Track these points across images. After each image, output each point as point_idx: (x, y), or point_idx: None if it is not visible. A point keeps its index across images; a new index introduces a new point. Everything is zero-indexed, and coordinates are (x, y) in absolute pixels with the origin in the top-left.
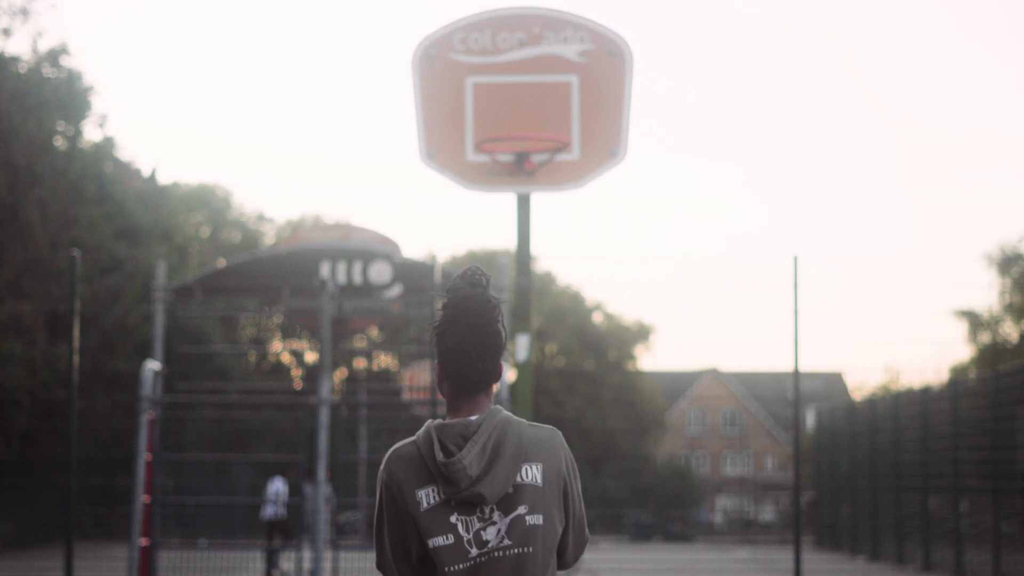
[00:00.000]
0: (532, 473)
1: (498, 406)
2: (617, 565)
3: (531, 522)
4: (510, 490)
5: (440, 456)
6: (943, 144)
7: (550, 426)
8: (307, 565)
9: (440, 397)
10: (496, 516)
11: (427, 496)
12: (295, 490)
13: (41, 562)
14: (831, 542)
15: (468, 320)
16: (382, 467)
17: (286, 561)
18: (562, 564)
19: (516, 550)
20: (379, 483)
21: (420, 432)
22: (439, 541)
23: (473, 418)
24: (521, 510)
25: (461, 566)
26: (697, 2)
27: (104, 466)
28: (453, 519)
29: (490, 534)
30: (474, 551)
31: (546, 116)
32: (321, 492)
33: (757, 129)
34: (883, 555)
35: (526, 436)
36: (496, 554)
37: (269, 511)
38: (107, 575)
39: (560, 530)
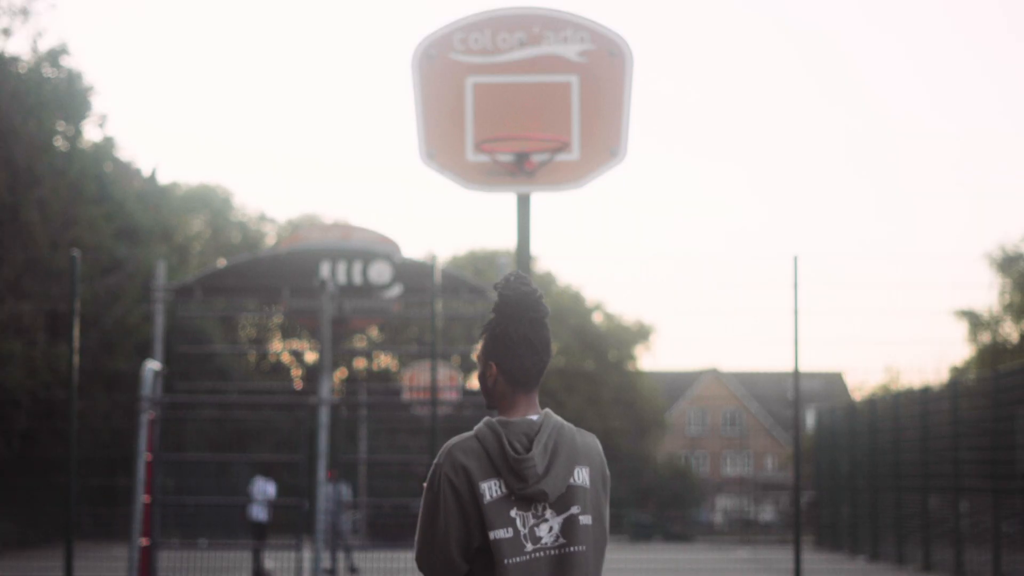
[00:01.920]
0: (583, 476)
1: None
2: (617, 565)
3: (583, 522)
4: (563, 490)
5: (513, 452)
6: (943, 144)
7: (592, 433)
8: (307, 564)
9: (445, 397)
10: (549, 514)
11: (490, 489)
12: (290, 490)
13: (41, 562)
14: (831, 542)
15: (530, 315)
16: (442, 460)
17: (273, 560)
18: None
19: (570, 548)
20: (439, 476)
21: (480, 428)
22: (500, 534)
23: (534, 418)
24: (574, 510)
25: (519, 559)
26: (697, 2)
27: (104, 466)
28: (512, 513)
29: (543, 531)
30: (529, 546)
31: (546, 116)
32: (323, 492)
33: (757, 129)
34: (883, 555)
35: (577, 440)
36: (551, 552)
37: (256, 511)
38: (107, 575)
39: (607, 531)
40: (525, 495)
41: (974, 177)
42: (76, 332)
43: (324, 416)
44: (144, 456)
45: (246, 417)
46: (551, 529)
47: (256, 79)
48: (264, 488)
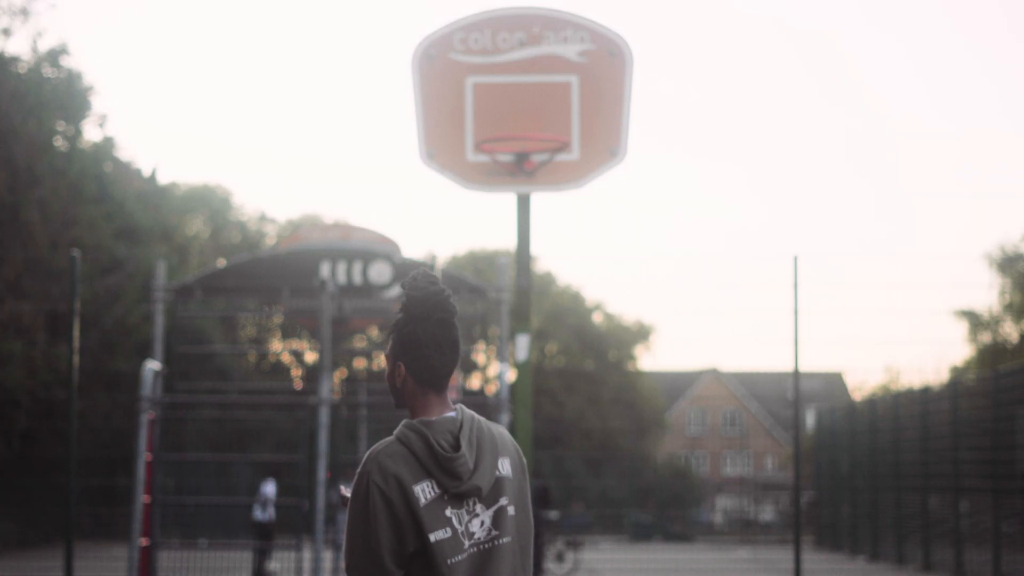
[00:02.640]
0: (506, 466)
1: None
2: (617, 565)
3: (511, 513)
4: (492, 483)
5: (442, 451)
6: (943, 144)
7: (499, 424)
8: (307, 564)
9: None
10: (479, 509)
11: (423, 491)
12: (290, 490)
13: (41, 562)
14: (831, 542)
15: (438, 315)
16: (369, 468)
17: (275, 560)
18: None
19: (501, 540)
20: (367, 484)
21: (402, 431)
22: (440, 535)
23: (452, 414)
24: (503, 501)
25: (459, 558)
26: (697, 2)
27: (104, 466)
28: (448, 513)
29: (475, 526)
30: (467, 543)
31: (546, 116)
32: (323, 492)
33: (757, 129)
34: (883, 555)
35: (495, 431)
36: (485, 546)
37: (259, 513)
38: (107, 575)
39: (531, 520)
40: (459, 492)
41: (974, 177)
42: (76, 332)
43: (324, 416)
44: (144, 456)
45: (246, 417)
46: (483, 523)
47: (256, 79)
48: (266, 489)
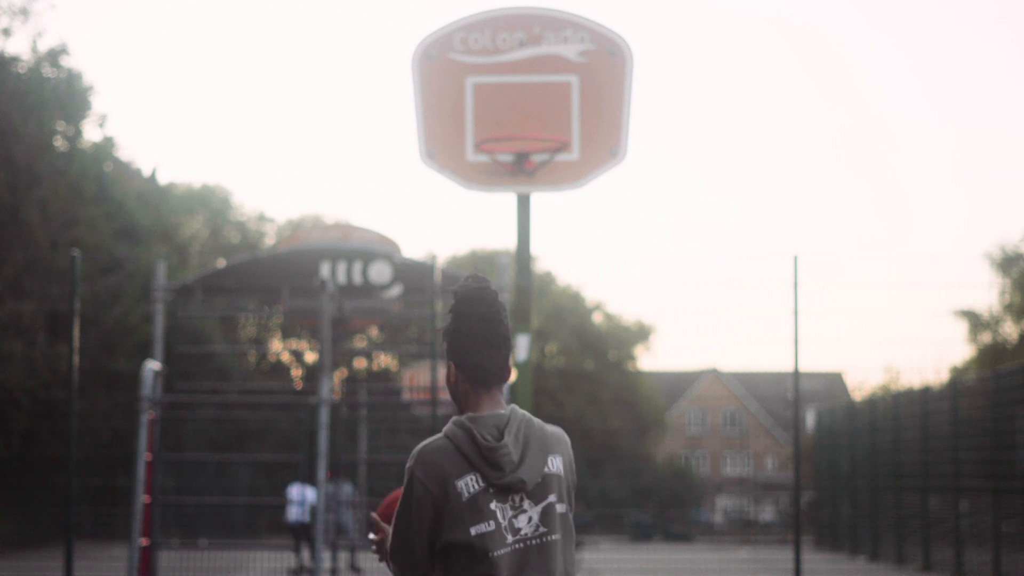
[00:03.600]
0: (556, 464)
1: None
2: (617, 565)
3: (560, 510)
4: (539, 479)
5: (485, 443)
6: (943, 144)
7: (556, 426)
8: (306, 564)
9: (445, 397)
10: (526, 504)
11: (467, 485)
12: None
13: (41, 562)
14: (831, 542)
15: (481, 311)
16: (414, 463)
17: (273, 560)
18: None
19: (550, 537)
20: (410, 478)
21: (449, 427)
22: (482, 528)
23: (501, 412)
24: (551, 498)
25: (502, 551)
26: (697, 2)
27: (104, 466)
28: (492, 506)
29: (522, 522)
30: (510, 538)
31: (546, 116)
32: (322, 492)
33: (756, 129)
34: (883, 555)
35: (546, 430)
36: (533, 541)
37: (294, 515)
38: (107, 575)
39: (572, 521)
40: (503, 484)
41: (973, 176)
42: (76, 332)
43: (324, 416)
44: (144, 456)
45: (246, 417)
46: (531, 519)
47: (256, 79)
48: (303, 492)
